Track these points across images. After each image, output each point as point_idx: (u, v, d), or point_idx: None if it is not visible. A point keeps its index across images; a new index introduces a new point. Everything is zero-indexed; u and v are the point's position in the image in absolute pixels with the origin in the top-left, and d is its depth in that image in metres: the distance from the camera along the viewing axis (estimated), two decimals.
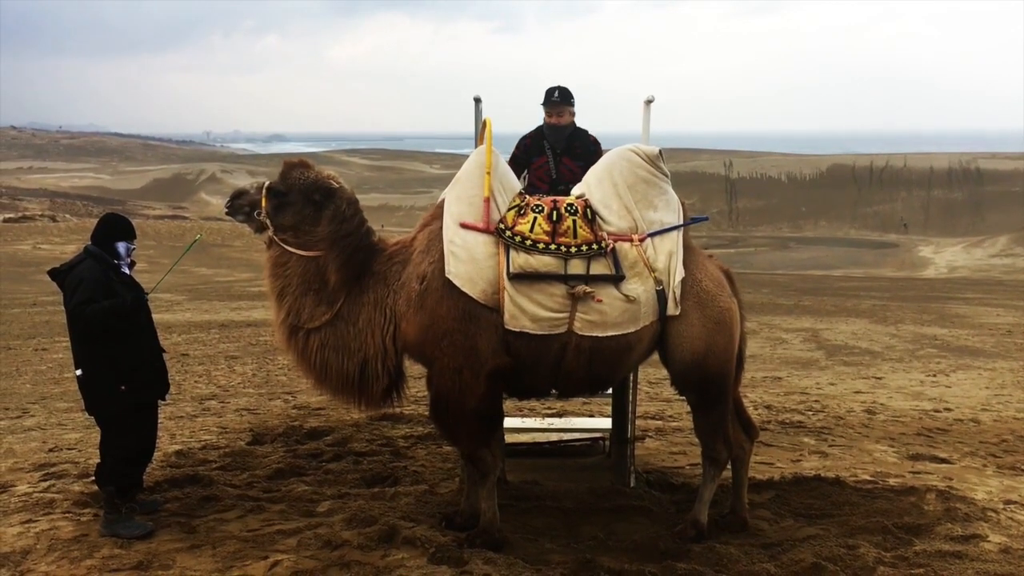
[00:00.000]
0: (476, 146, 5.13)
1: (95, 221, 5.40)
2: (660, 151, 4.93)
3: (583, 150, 5.75)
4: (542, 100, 5.79)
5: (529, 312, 4.49)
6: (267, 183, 4.80)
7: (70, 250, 34.23)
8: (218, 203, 69.61)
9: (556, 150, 5.77)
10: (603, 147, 5.76)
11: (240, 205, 4.82)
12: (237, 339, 14.19)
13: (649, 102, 5.57)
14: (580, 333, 4.55)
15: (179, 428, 7.59)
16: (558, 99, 5.73)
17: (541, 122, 5.87)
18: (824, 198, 61.91)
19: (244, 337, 14.41)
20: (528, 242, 4.57)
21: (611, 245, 4.65)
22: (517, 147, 5.92)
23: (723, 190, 63.84)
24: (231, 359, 12.11)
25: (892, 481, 6.03)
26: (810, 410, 8.67)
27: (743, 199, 63.20)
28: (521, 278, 4.50)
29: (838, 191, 62.47)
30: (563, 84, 5.81)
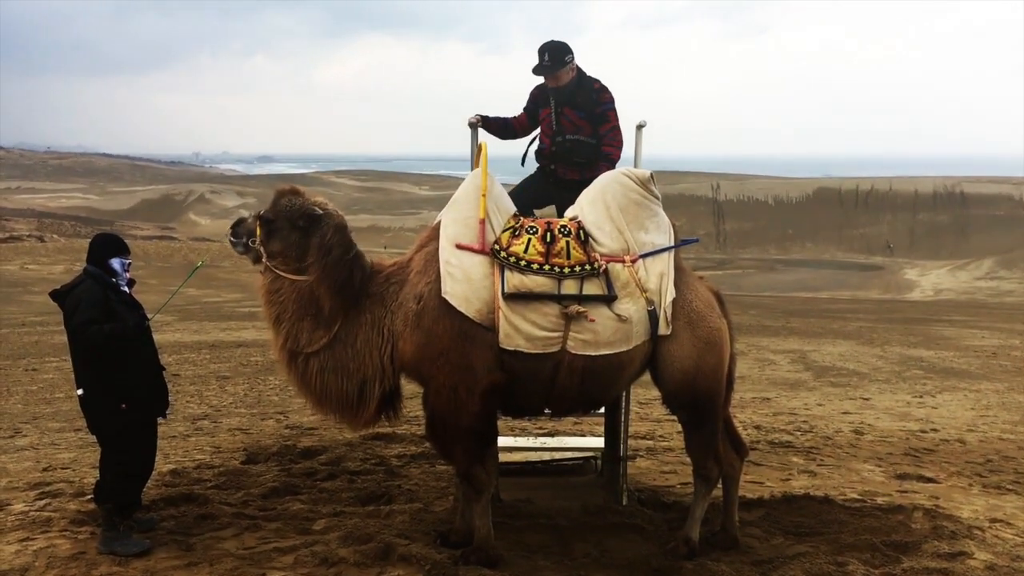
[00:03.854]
0: (472, 169, 5.24)
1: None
2: (652, 174, 5.04)
3: (584, 99, 5.57)
4: (535, 65, 5.55)
5: (523, 331, 4.57)
6: (260, 212, 4.88)
7: (58, 270, 34.16)
8: (207, 224, 69.61)
9: (559, 100, 5.61)
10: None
11: (239, 233, 4.90)
12: (228, 359, 14.21)
13: (641, 127, 5.70)
14: (573, 352, 4.62)
15: (172, 448, 7.62)
16: (549, 64, 5.49)
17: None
18: (811, 221, 62.37)
19: (235, 357, 14.43)
20: (522, 263, 4.66)
21: (604, 266, 4.73)
22: (528, 98, 5.81)
23: (711, 212, 64.23)
24: (222, 379, 12.13)
25: (880, 500, 6.12)
26: (799, 430, 8.76)
27: (730, 221, 63.59)
28: (516, 298, 4.58)
29: (824, 214, 62.94)
30: (555, 39, 5.54)
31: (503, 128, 5.82)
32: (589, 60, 5.83)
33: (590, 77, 5.61)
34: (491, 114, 5.80)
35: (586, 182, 5.26)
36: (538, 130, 5.78)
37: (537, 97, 5.74)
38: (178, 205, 78.87)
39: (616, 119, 5.57)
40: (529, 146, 5.82)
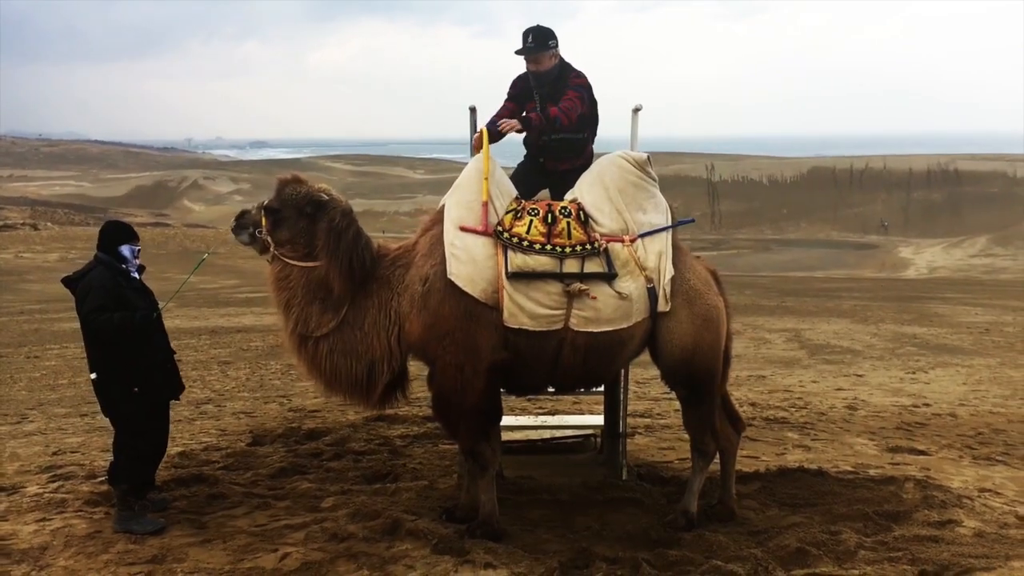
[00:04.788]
0: (471, 153, 5.36)
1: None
2: (648, 157, 5.17)
3: (563, 92, 5.38)
4: (518, 47, 5.42)
5: (527, 309, 4.70)
6: (264, 202, 4.98)
7: (52, 258, 34.22)
8: (201, 210, 69.55)
9: (542, 94, 5.49)
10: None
11: (243, 225, 5.00)
12: (228, 344, 14.32)
13: (637, 110, 5.80)
14: (576, 329, 4.76)
15: (179, 431, 7.73)
16: (532, 46, 5.35)
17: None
18: (805, 200, 62.53)
19: (235, 343, 14.54)
20: (525, 243, 4.79)
21: (604, 245, 4.87)
22: (511, 86, 5.66)
23: (705, 193, 64.34)
24: (224, 364, 12.24)
25: (872, 472, 6.28)
26: (793, 407, 8.91)
27: (725, 202, 63.72)
28: (519, 277, 4.71)
29: (819, 193, 63.10)
30: (541, 24, 5.40)
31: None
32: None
33: (573, 69, 5.50)
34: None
35: (576, 170, 5.37)
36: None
37: (521, 88, 5.62)
38: (172, 191, 78.76)
39: (576, 99, 5.31)
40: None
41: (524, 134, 5.62)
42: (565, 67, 5.50)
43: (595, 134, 5.69)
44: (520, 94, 5.62)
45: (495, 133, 5.25)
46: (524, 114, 5.42)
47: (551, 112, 5.27)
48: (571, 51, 5.63)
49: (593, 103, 5.50)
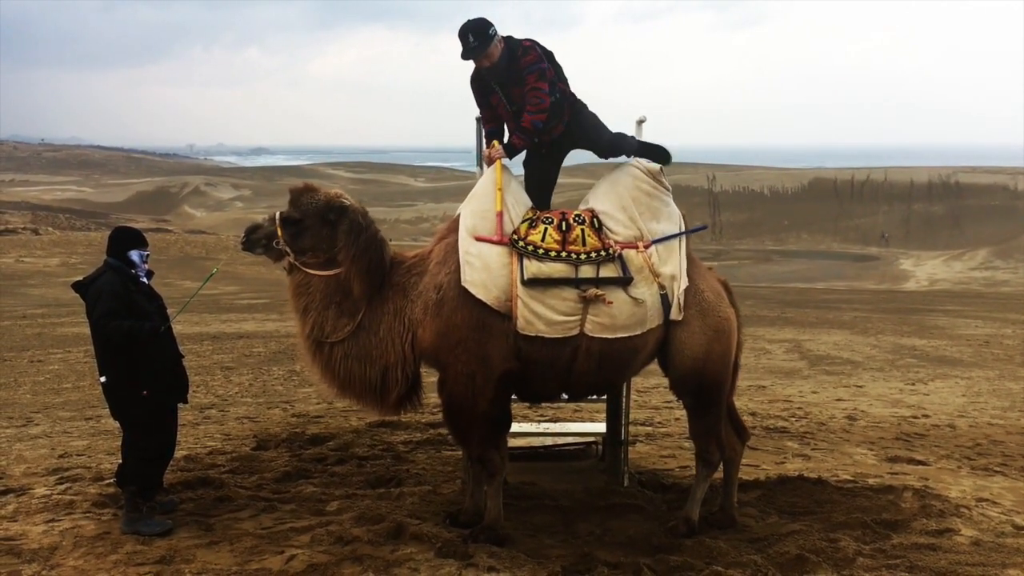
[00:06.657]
0: (477, 163, 5.43)
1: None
2: (661, 167, 5.26)
3: (518, 72, 5.14)
4: (462, 51, 5.10)
5: (543, 316, 4.77)
6: (279, 213, 5.00)
7: (53, 263, 34.23)
8: (202, 216, 69.61)
9: (500, 83, 5.23)
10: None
11: (257, 239, 5.03)
12: (230, 350, 14.36)
13: (641, 122, 5.88)
14: (591, 335, 4.83)
15: (183, 436, 7.76)
16: (476, 44, 5.04)
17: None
18: (806, 211, 62.61)
19: (237, 348, 14.58)
20: (540, 251, 4.86)
21: (618, 251, 4.95)
22: (474, 94, 5.40)
23: (706, 203, 64.39)
24: (227, 370, 12.29)
25: (871, 481, 6.34)
26: (793, 417, 8.97)
27: (726, 212, 63.78)
28: (535, 284, 4.78)
29: (820, 204, 63.19)
30: (472, 19, 5.10)
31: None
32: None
33: (517, 42, 5.17)
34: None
35: (570, 128, 5.28)
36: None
37: (481, 88, 5.33)
38: (173, 197, 78.86)
39: (536, 80, 5.08)
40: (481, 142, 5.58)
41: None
42: (511, 46, 5.16)
43: (566, 81, 5.37)
44: (483, 94, 5.37)
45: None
46: (507, 139, 5.29)
47: (525, 123, 5.11)
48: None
49: (550, 59, 5.24)
